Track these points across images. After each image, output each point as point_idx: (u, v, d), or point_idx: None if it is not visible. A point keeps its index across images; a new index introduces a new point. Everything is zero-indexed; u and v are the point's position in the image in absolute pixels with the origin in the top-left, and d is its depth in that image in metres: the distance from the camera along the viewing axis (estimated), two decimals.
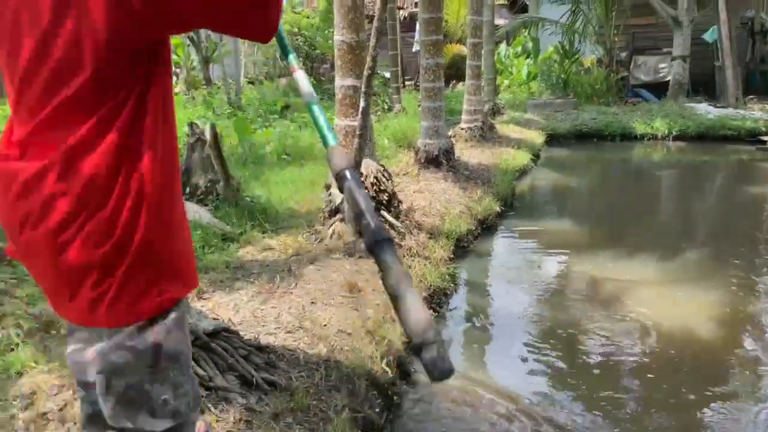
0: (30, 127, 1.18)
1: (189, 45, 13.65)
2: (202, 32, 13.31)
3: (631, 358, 3.34)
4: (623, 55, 14.19)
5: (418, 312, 1.11)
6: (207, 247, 4.12)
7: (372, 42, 3.85)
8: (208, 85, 13.60)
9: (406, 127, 8.69)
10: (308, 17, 16.31)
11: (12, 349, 2.72)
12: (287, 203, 5.46)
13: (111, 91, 1.15)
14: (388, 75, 13.25)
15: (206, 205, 4.97)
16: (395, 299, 1.15)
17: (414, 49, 17.68)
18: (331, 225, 4.29)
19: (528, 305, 4.10)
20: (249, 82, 15.81)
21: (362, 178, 4.26)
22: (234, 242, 4.40)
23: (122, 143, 1.16)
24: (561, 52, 14.02)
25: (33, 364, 2.57)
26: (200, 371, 2.16)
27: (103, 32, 1.10)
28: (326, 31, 14.54)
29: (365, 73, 3.88)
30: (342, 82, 4.29)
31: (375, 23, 3.80)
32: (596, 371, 3.26)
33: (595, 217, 6.63)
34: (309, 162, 7.08)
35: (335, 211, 4.35)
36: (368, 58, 3.84)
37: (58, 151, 1.15)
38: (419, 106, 11.51)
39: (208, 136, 5.06)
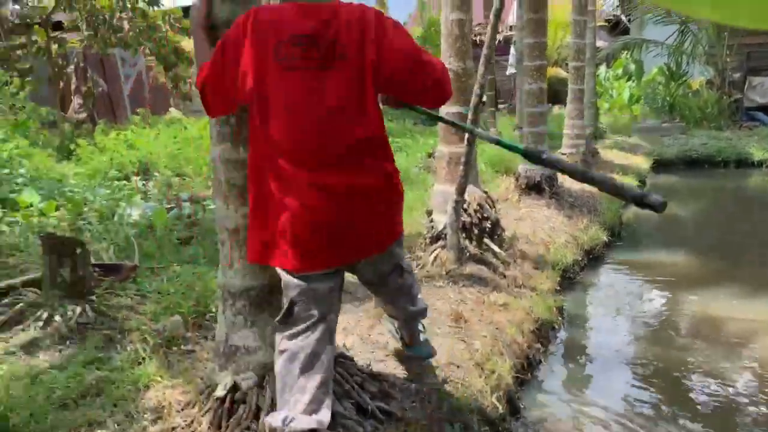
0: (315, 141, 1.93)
1: None
2: None
3: (750, 408, 3.06)
4: (736, 76, 13.36)
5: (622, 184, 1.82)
6: None
7: (481, 70, 3.83)
8: None
9: (503, 152, 8.56)
10: None
11: (139, 363, 2.89)
12: None
13: None
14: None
15: None
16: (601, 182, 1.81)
17: (508, 72, 17.50)
18: (433, 251, 4.27)
19: (638, 342, 3.89)
20: None
21: (465, 206, 4.23)
22: None
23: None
24: (667, 73, 13.40)
25: (159, 379, 2.71)
26: None
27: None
28: None
29: (473, 100, 3.86)
30: (447, 109, 4.29)
31: (485, 51, 3.78)
32: (707, 414, 3.02)
33: (709, 250, 6.21)
34: (406, 186, 7.11)
35: (437, 238, 4.33)
36: (476, 86, 3.83)
37: None
38: (515, 129, 11.40)
39: None
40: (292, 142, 1.88)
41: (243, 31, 1.85)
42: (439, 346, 3.02)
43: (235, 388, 2.19)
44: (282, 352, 2.00)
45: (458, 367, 2.86)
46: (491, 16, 3.71)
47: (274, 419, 1.91)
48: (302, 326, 1.99)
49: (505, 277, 4.07)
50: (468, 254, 4.12)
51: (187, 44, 12.71)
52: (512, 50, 16.69)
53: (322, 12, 1.85)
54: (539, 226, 5.27)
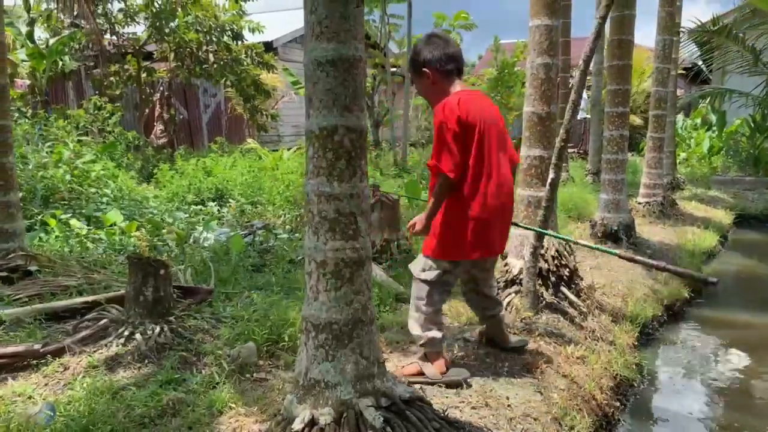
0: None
1: None
2: (376, 97, 14.17)
3: None
4: None
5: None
6: (382, 306, 4.19)
7: (567, 115, 3.78)
8: (376, 146, 14.30)
9: (576, 198, 8.38)
10: (474, 84, 16.68)
11: (213, 387, 2.92)
12: None
13: None
14: None
15: (380, 263, 5.10)
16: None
17: (579, 117, 17.27)
18: (507, 296, 4.17)
19: (717, 407, 3.64)
20: (411, 145, 16.38)
21: (543, 251, 4.13)
22: (406, 303, 4.43)
23: None
24: (751, 125, 12.84)
25: (233, 405, 2.72)
26: None
27: None
28: (493, 98, 14.72)
29: (557, 144, 3.80)
30: (529, 152, 4.25)
31: (572, 96, 3.73)
32: None
33: None
34: None
35: (512, 282, 4.23)
36: (561, 130, 3.77)
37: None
38: (587, 175, 11.16)
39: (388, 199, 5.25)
40: None
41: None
42: (515, 396, 2.92)
43: (312, 422, 2.17)
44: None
45: (535, 419, 2.74)
46: (580, 62, 3.67)
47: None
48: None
49: (582, 328, 3.92)
50: (543, 302, 4.00)
51: (266, 78, 13.24)
52: (585, 95, 16.52)
53: None
54: (616, 277, 5.08)
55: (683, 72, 18.98)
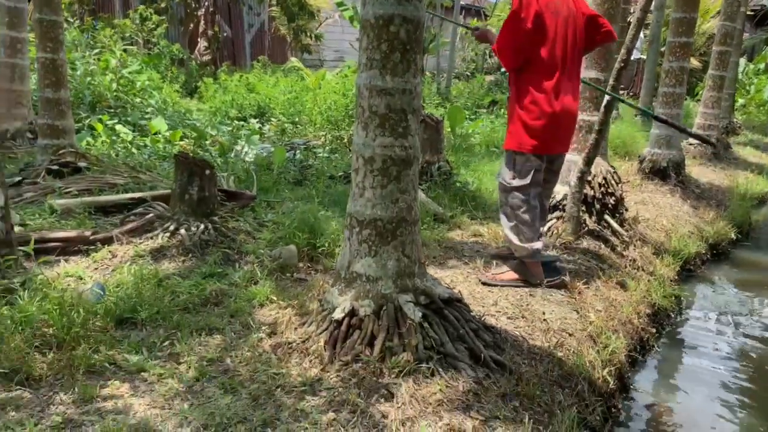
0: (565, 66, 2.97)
1: None
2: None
3: None
4: None
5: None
6: (420, 224, 4.19)
7: (630, 34, 3.58)
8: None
9: (625, 135, 8.11)
10: None
11: (255, 283, 3.00)
12: (495, 194, 5.37)
13: None
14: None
15: (420, 184, 5.07)
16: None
17: (632, 57, 16.50)
18: (549, 221, 4.11)
19: (749, 348, 3.57)
20: (455, 77, 15.96)
21: (591, 178, 4.02)
22: (444, 223, 4.43)
23: None
24: None
25: (273, 298, 2.79)
26: (433, 335, 2.17)
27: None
28: None
29: (616, 65, 3.63)
30: (585, 74, 4.06)
31: (637, 14, 3.52)
32: None
33: None
34: None
35: (554, 208, 4.15)
36: (623, 50, 3.59)
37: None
38: (635, 115, 10.75)
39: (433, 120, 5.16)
40: None
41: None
42: (551, 312, 2.92)
43: (352, 313, 2.21)
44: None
45: (570, 335, 2.75)
46: None
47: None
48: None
49: (623, 256, 3.86)
50: (586, 228, 3.93)
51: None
52: (641, 34, 15.67)
53: None
54: (662, 213, 4.95)
55: (751, 13, 17.81)
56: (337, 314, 2.20)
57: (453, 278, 3.28)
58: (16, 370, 2.04)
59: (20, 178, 4.25)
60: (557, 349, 2.57)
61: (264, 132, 7.82)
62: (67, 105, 4.62)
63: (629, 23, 3.52)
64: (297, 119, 8.52)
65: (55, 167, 4.36)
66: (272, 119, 8.49)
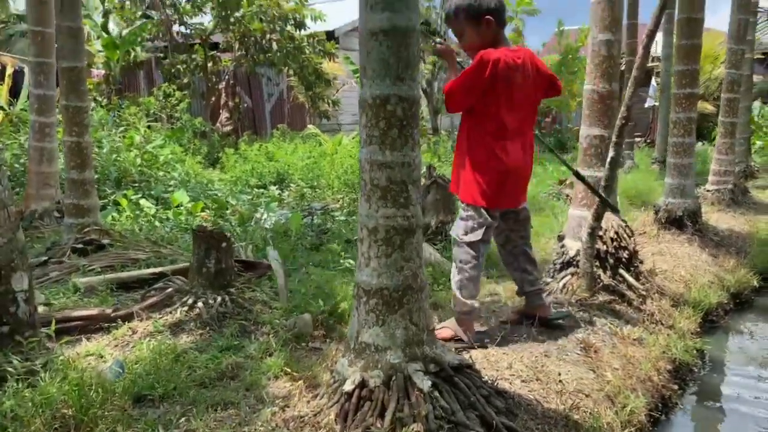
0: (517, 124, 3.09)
1: (422, 96, 14.50)
2: (435, 84, 14.12)
3: None
4: None
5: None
6: (436, 285, 4.22)
7: (628, 92, 3.68)
8: (434, 134, 14.25)
9: (640, 184, 8.13)
10: None
11: (270, 354, 3.04)
12: None
13: None
14: None
15: (435, 244, 5.12)
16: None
17: (647, 105, 16.62)
18: (563, 278, 4.11)
19: None
20: None
21: (602, 233, 4.04)
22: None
23: None
24: None
25: (287, 370, 2.83)
26: (443, 404, 2.18)
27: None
28: None
29: (618, 123, 3.70)
30: (588, 131, 4.16)
31: (634, 72, 3.62)
32: None
33: None
34: (533, 212, 6.95)
35: (568, 264, 4.16)
36: (623, 108, 3.67)
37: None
38: (653, 163, 10.76)
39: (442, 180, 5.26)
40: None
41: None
42: (566, 373, 2.90)
43: (363, 384, 2.23)
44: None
45: (587, 396, 2.72)
46: (644, 37, 3.56)
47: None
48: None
49: (640, 311, 3.83)
50: (601, 284, 3.92)
51: (327, 66, 13.41)
52: (653, 82, 15.85)
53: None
54: (680, 263, 4.91)
55: (762, 56, 17.94)
56: (347, 386, 2.23)
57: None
58: None
59: (46, 258, 4.40)
60: (572, 411, 2.54)
61: (284, 198, 8.00)
62: (91, 185, 4.83)
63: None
64: (315, 184, 8.71)
65: (80, 245, 4.53)
66: (291, 185, 8.70)
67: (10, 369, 2.54)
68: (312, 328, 3.36)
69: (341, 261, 4.55)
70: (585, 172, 4.17)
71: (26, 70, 11.48)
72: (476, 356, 3.00)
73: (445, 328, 3.22)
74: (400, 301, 2.30)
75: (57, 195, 5.88)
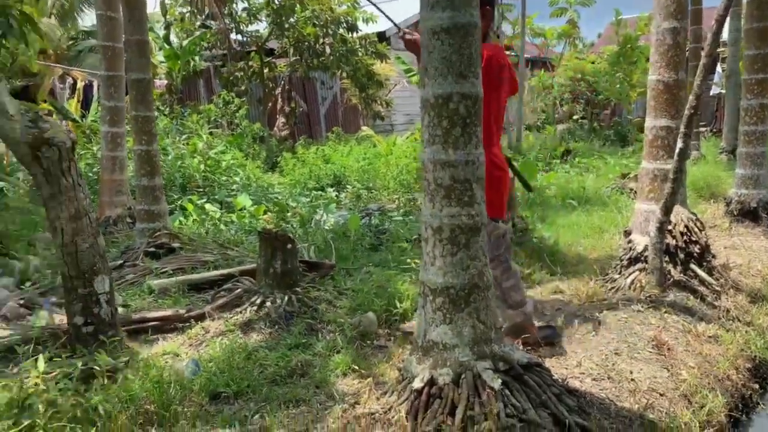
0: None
1: None
2: None
3: None
4: None
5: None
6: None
7: (697, 80, 3.55)
8: None
9: (708, 176, 7.80)
10: (593, 62, 15.90)
11: (337, 352, 3.09)
12: (575, 248, 5.29)
13: None
14: None
15: None
16: None
17: (712, 92, 15.92)
18: (631, 274, 4.00)
19: None
20: (525, 128, 15.96)
21: (671, 227, 3.91)
22: (522, 281, 4.39)
23: None
24: None
25: (355, 368, 2.87)
26: (515, 402, 2.16)
27: None
28: (614, 75, 13.96)
29: (686, 112, 3.58)
30: (654, 122, 4.03)
31: (703, 60, 3.50)
32: None
33: None
34: (596, 208, 6.79)
35: (635, 260, 4.05)
36: (691, 97, 3.54)
37: None
38: (720, 153, 10.30)
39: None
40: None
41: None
42: (639, 371, 2.83)
43: (432, 382, 2.25)
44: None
45: (662, 395, 2.64)
46: (713, 22, 3.42)
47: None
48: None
49: (714, 307, 3.68)
50: (671, 279, 3.80)
51: (379, 68, 13.49)
52: (718, 68, 15.16)
53: None
54: (756, 257, 4.69)
55: None
56: (417, 384, 2.25)
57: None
58: None
59: (121, 261, 4.62)
60: (648, 410, 2.47)
61: (341, 200, 8.10)
62: (160, 191, 5.04)
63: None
64: (371, 185, 8.78)
65: (152, 249, 4.72)
66: (348, 187, 8.80)
67: (95, 367, 2.68)
68: (377, 327, 3.40)
69: (403, 260, 4.57)
70: (651, 164, 4.05)
71: (95, 83, 12.07)
72: (544, 355, 2.96)
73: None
74: (466, 299, 2.30)
75: (129, 201, 6.16)
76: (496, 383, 2.19)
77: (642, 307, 3.59)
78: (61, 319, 3.52)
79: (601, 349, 3.04)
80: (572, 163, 10.45)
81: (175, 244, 4.86)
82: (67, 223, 2.85)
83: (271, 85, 13.61)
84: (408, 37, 2.97)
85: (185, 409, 2.44)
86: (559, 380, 2.49)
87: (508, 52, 15.98)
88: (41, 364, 2.41)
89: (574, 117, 16.04)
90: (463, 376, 2.23)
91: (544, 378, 2.32)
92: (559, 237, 5.46)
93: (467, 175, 2.28)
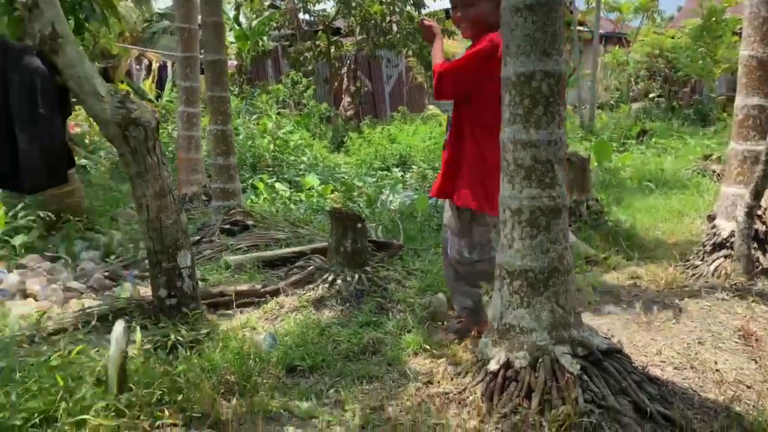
0: None
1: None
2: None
3: None
4: None
5: None
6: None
7: None
8: None
9: None
10: (673, 37, 15.12)
11: (408, 331, 3.11)
12: (652, 232, 5.09)
13: None
14: None
15: (569, 225, 4.95)
16: None
17: None
18: (714, 261, 3.82)
19: None
20: (598, 107, 15.41)
21: (761, 211, 3.69)
22: (597, 265, 4.28)
23: None
24: None
25: (426, 347, 2.88)
26: (593, 387, 2.12)
27: None
28: (696, 51, 13.22)
29: None
30: (745, 101, 3.79)
31: None
32: None
33: None
34: (675, 191, 6.50)
35: (720, 246, 3.86)
36: None
37: None
38: None
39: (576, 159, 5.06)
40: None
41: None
42: (724, 362, 2.71)
43: (508, 364, 2.23)
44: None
45: (749, 387, 2.52)
46: None
47: None
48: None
49: None
50: (760, 267, 3.60)
51: (446, 45, 13.33)
52: None
53: None
54: None
55: None
56: (492, 366, 2.23)
57: (610, 326, 3.17)
58: (207, 415, 2.31)
59: (198, 238, 4.79)
60: (734, 403, 2.37)
61: (406, 180, 8.10)
62: (235, 170, 5.18)
63: None
64: (437, 165, 8.73)
65: (227, 226, 4.88)
66: (413, 167, 8.78)
67: (179, 338, 2.81)
68: (446, 308, 3.39)
69: None
70: (741, 146, 3.83)
71: (169, 64, 12.49)
72: (621, 341, 2.88)
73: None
74: (545, 283, 2.26)
75: (203, 179, 6.37)
76: (575, 368, 2.14)
77: (727, 295, 3.42)
78: (144, 291, 3.71)
79: (683, 338, 2.93)
80: (648, 143, 10.04)
81: (249, 222, 4.99)
82: (153, 200, 2.97)
83: (337, 65, 13.69)
84: (427, 23, 2.89)
85: (264, 381, 2.52)
86: (640, 368, 2.41)
87: (580, 28, 15.40)
88: (138, 336, 2.55)
89: (651, 95, 15.36)
90: (540, 360, 2.20)
91: (624, 365, 2.26)
92: (636, 220, 5.28)
93: (549, 155, 2.22)
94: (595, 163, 7.17)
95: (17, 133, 2.83)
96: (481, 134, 2.70)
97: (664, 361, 2.65)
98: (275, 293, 3.60)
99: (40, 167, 2.87)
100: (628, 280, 3.99)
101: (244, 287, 3.60)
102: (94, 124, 9.05)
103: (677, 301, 3.42)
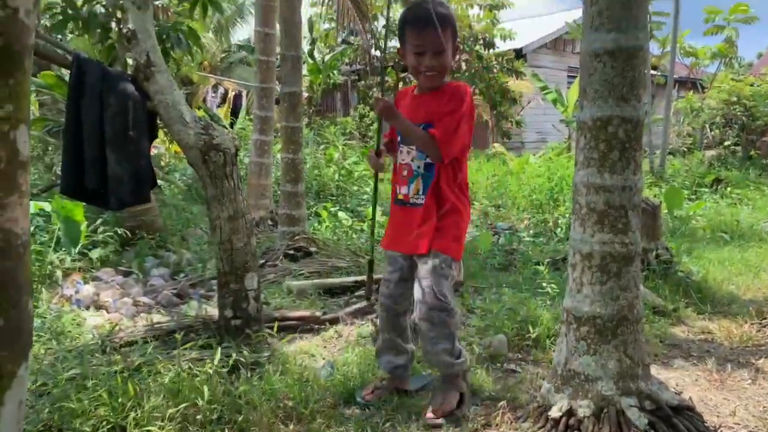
0: None
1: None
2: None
3: None
4: None
5: None
6: None
7: None
8: None
9: None
10: (752, 84, 14.58)
11: (470, 369, 3.07)
12: (726, 286, 4.86)
13: None
14: None
15: None
16: None
17: None
18: None
19: None
20: (669, 153, 14.95)
21: None
22: (665, 317, 4.11)
23: None
24: None
25: (485, 389, 2.83)
26: None
27: None
28: None
29: None
30: None
31: None
32: None
33: None
34: (751, 243, 6.20)
35: None
36: None
37: None
38: None
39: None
40: None
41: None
42: None
43: (570, 412, 2.17)
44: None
45: None
46: None
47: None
48: None
49: None
50: None
51: (513, 84, 13.33)
52: None
53: None
54: None
55: None
56: (554, 413, 2.18)
57: (679, 381, 3.02)
58: None
59: (263, 261, 4.92)
60: None
61: None
62: (302, 197, 5.32)
63: None
64: (500, 202, 8.66)
65: (291, 251, 4.99)
66: (475, 203, 8.74)
67: (241, 359, 2.88)
68: (507, 350, 3.34)
69: (536, 283, 4.46)
70: None
71: (244, 93, 13.05)
72: (693, 398, 2.75)
73: (449, 403, 2.59)
74: (614, 331, 2.20)
75: (270, 205, 6.56)
76: (642, 422, 2.07)
77: None
78: (210, 310, 3.83)
79: (759, 400, 2.77)
80: (723, 192, 9.64)
81: (312, 249, 5.10)
82: (226, 223, 3.09)
83: None
84: (382, 106, 2.55)
85: (321, 409, 2.54)
86: (711, 428, 2.30)
87: (654, 72, 15.12)
88: (217, 355, 2.63)
89: (726, 143, 14.79)
90: (605, 410, 2.13)
91: (696, 424, 2.15)
92: (708, 273, 5.05)
93: (623, 201, 2.19)
94: (666, 211, 6.94)
95: (108, 153, 3.02)
96: (452, 182, 2.58)
97: (738, 424, 2.50)
98: (334, 321, 3.64)
99: (126, 186, 3.04)
100: (699, 334, 3.81)
101: (305, 313, 3.65)
102: (170, 146, 9.54)
103: (753, 360, 3.25)
